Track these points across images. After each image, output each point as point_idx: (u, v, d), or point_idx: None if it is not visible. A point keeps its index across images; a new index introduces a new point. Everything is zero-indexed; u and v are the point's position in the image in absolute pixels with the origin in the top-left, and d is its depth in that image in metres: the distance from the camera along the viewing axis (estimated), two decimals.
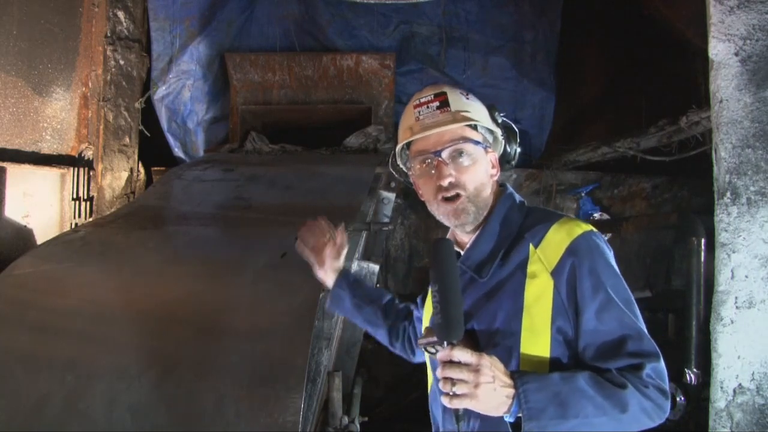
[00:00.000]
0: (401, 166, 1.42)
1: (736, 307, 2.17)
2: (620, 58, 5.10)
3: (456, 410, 1.06)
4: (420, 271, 4.27)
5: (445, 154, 1.26)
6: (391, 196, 3.37)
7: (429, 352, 1.16)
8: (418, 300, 1.60)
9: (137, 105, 4.18)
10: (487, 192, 1.30)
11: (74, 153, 3.93)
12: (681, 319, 3.70)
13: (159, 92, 4.38)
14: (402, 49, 4.51)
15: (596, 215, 4.31)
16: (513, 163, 1.41)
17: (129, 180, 4.10)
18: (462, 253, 1.32)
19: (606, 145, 3.95)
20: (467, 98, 1.32)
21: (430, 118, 1.27)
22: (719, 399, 2.18)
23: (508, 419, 1.09)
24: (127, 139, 4.11)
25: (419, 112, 1.29)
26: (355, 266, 2.62)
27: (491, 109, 1.35)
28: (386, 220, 3.35)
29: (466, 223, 1.28)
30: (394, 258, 4.28)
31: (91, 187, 3.91)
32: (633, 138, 3.72)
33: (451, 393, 1.04)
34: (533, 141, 4.62)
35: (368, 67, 4.33)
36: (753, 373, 2.15)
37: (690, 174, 4.16)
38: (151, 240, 2.58)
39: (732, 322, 2.17)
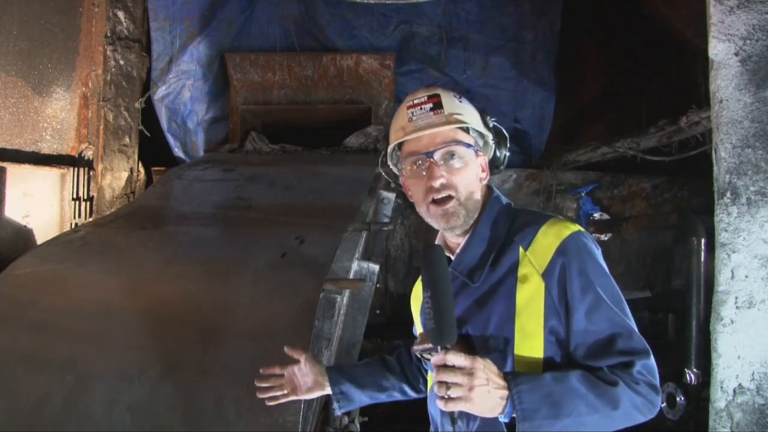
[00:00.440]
0: (392, 167, 1.43)
1: (736, 307, 2.17)
2: (620, 58, 5.10)
3: (451, 413, 1.08)
4: (420, 271, 4.27)
5: (437, 156, 1.26)
6: (391, 196, 3.37)
7: (425, 358, 1.17)
8: (413, 312, 1.56)
9: (137, 105, 4.18)
10: (477, 195, 1.31)
11: (74, 153, 3.93)
12: (681, 319, 3.70)
13: (159, 92, 4.38)
14: (402, 49, 4.50)
15: (596, 215, 4.31)
16: (502, 168, 1.42)
17: (129, 180, 4.10)
18: (452, 257, 1.33)
19: (606, 145, 3.95)
20: (460, 101, 1.32)
21: (423, 120, 1.28)
22: (719, 399, 2.18)
23: (503, 420, 1.11)
24: (127, 139, 4.11)
25: (412, 113, 1.29)
26: (355, 266, 2.62)
27: (483, 113, 1.36)
28: (386, 220, 3.35)
29: (456, 227, 1.28)
30: (394, 258, 4.29)
31: (91, 187, 3.91)
32: (633, 138, 3.72)
33: (446, 396, 1.05)
34: (533, 141, 4.62)
35: (368, 67, 4.33)
36: (753, 373, 2.15)
37: (690, 174, 4.16)
38: (151, 240, 2.58)
39: (732, 322, 2.17)
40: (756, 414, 2.14)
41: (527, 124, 4.57)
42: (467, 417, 1.22)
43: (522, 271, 1.22)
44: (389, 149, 1.38)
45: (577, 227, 1.23)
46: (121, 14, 4.12)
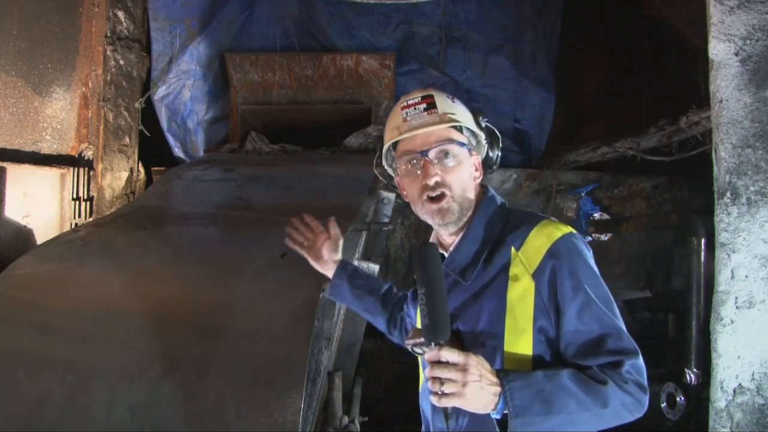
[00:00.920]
0: (386, 167, 1.46)
1: (736, 307, 2.17)
2: (620, 58, 5.10)
3: (444, 409, 1.11)
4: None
5: (431, 154, 1.29)
6: (391, 196, 3.37)
7: (416, 352, 1.19)
8: (409, 295, 1.64)
9: (137, 105, 4.18)
10: (471, 194, 1.34)
11: (74, 153, 3.93)
12: (681, 319, 3.70)
13: (159, 92, 4.38)
14: (402, 49, 4.50)
15: (596, 215, 4.31)
16: (494, 168, 1.46)
17: (129, 180, 4.10)
18: (446, 255, 1.36)
19: (606, 145, 3.94)
20: (453, 101, 1.36)
21: (417, 119, 1.31)
22: (719, 399, 2.18)
23: (495, 416, 1.13)
24: (127, 139, 4.11)
25: (406, 113, 1.32)
26: None
27: (475, 114, 1.39)
28: (386, 220, 3.35)
29: (450, 223, 1.32)
30: (394, 258, 4.29)
31: (91, 187, 3.92)
32: (633, 138, 3.72)
33: (439, 392, 1.07)
34: (533, 141, 4.61)
35: (368, 67, 4.33)
36: (753, 373, 2.15)
37: (690, 174, 4.16)
38: (151, 240, 2.57)
39: (732, 322, 2.17)
40: (756, 414, 2.15)
41: (527, 124, 4.57)
42: (457, 413, 1.23)
43: (513, 270, 1.24)
44: (384, 149, 1.42)
45: (569, 229, 1.26)
46: (121, 14, 4.12)
